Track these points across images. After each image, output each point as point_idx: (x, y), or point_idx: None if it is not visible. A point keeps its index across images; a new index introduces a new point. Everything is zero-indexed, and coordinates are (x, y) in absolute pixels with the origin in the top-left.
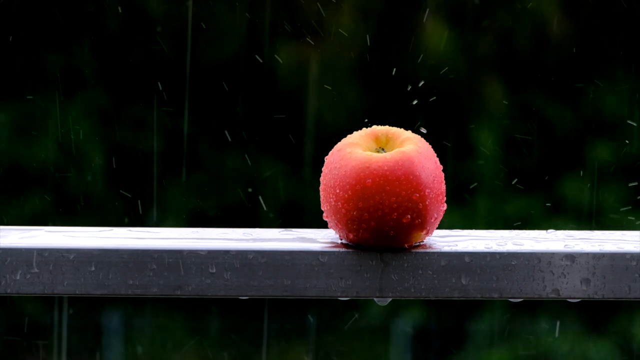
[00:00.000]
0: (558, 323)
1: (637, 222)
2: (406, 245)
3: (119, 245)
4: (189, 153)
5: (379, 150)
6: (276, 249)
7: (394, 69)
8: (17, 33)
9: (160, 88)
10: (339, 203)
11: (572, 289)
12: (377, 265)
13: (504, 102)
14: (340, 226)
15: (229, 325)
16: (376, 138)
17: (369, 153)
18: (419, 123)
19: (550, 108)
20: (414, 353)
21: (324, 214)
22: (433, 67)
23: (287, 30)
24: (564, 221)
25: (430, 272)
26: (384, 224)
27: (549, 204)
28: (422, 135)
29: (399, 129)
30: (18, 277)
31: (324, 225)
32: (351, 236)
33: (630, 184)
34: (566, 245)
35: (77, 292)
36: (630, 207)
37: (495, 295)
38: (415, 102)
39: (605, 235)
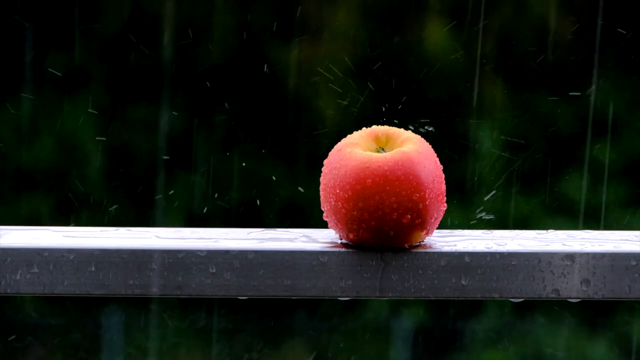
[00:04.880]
0: (558, 323)
1: (637, 222)
2: (406, 245)
3: (119, 245)
4: (189, 153)
5: (379, 150)
6: (276, 249)
7: (395, 69)
8: (17, 32)
9: (161, 88)
10: (339, 203)
11: (572, 289)
12: (377, 265)
13: (505, 101)
14: (340, 226)
15: (228, 325)
16: (376, 138)
17: (369, 153)
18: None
19: (550, 107)
20: (414, 353)
21: (324, 214)
22: (433, 66)
23: (287, 29)
24: (564, 221)
25: (430, 272)
26: (384, 223)
27: (549, 204)
28: (422, 135)
29: (399, 129)
30: (18, 277)
31: (324, 225)
32: (351, 236)
33: (631, 183)
34: (566, 245)
35: (77, 292)
36: (630, 207)
37: (495, 295)
38: (415, 102)
39: (605, 235)
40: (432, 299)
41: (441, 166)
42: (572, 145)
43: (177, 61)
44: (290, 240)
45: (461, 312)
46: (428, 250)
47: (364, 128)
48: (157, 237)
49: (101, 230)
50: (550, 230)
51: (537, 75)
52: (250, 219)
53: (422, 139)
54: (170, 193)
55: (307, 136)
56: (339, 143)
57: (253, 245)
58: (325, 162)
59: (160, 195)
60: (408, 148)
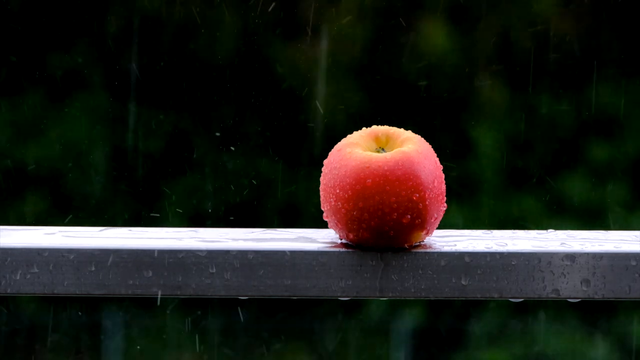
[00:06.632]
0: (558, 323)
1: (637, 222)
2: (406, 245)
3: (119, 245)
4: (189, 153)
5: (379, 150)
6: (276, 249)
7: (394, 69)
8: (17, 32)
9: (161, 88)
10: (339, 203)
11: (572, 289)
12: (377, 265)
13: (504, 101)
14: (340, 226)
15: (228, 325)
16: (376, 138)
17: (369, 153)
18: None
19: (550, 107)
20: (414, 353)
21: (324, 214)
22: (433, 67)
23: (287, 29)
24: (564, 221)
25: (430, 272)
26: (384, 223)
27: (549, 204)
28: (422, 134)
29: (399, 128)
30: (18, 277)
31: (324, 225)
32: (351, 236)
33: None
34: (566, 245)
35: (77, 292)
36: (630, 207)
37: (495, 295)
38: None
39: (605, 235)
40: (432, 299)
41: (441, 166)
42: (572, 145)
43: (176, 61)
44: (290, 240)
45: (461, 312)
46: (428, 250)
47: (364, 128)
48: (157, 237)
49: (101, 230)
50: (550, 230)
51: (538, 75)
52: (250, 219)
53: (422, 139)
54: (170, 193)
55: (307, 136)
56: (339, 143)
57: (253, 245)
58: (325, 162)
59: (161, 195)
60: (408, 148)
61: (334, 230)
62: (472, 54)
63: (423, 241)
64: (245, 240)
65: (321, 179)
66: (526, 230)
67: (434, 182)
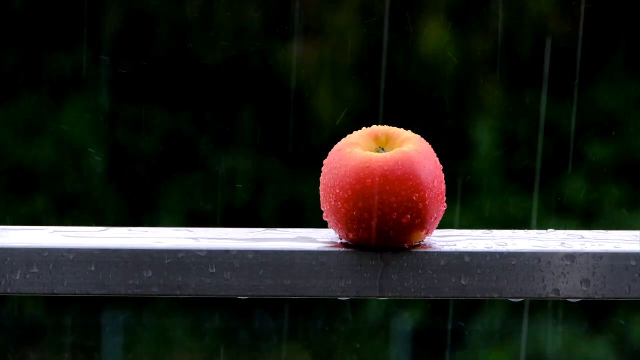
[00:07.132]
0: (558, 323)
1: (637, 222)
2: (406, 245)
3: (119, 245)
4: (189, 153)
5: (379, 150)
6: (276, 249)
7: (394, 68)
8: (17, 32)
9: (161, 87)
10: (339, 203)
11: (572, 289)
12: (377, 265)
13: (504, 101)
14: (340, 226)
15: (228, 325)
16: (376, 138)
17: (369, 153)
18: None
19: (550, 107)
20: (414, 353)
21: (324, 214)
22: (432, 66)
23: (287, 29)
24: (564, 221)
25: (430, 272)
26: (384, 224)
27: (549, 204)
28: (422, 134)
29: (399, 129)
30: (18, 277)
31: (324, 225)
32: (351, 236)
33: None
34: (566, 245)
35: (77, 292)
36: (630, 207)
37: (495, 295)
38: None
39: (605, 235)
40: (432, 299)
41: (441, 166)
42: (572, 145)
43: (175, 61)
44: (290, 240)
45: (461, 312)
46: (428, 250)
47: (364, 128)
48: (157, 237)
49: (101, 230)
50: (550, 230)
51: (538, 75)
52: (250, 219)
53: (422, 139)
54: (169, 193)
55: (306, 136)
56: (339, 143)
57: (253, 245)
58: (325, 162)
59: (160, 195)
60: (408, 148)
61: (334, 230)
62: (472, 53)
63: (423, 241)
64: (245, 240)
65: (321, 179)
66: (526, 230)
67: (434, 182)
